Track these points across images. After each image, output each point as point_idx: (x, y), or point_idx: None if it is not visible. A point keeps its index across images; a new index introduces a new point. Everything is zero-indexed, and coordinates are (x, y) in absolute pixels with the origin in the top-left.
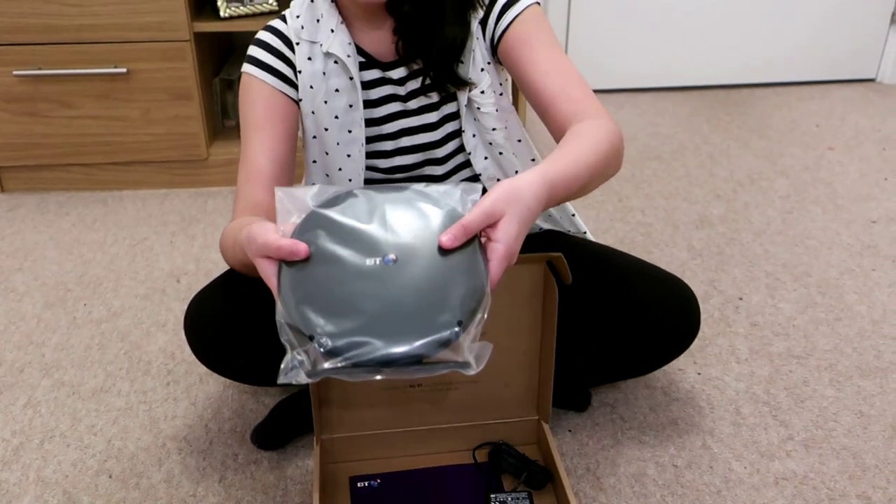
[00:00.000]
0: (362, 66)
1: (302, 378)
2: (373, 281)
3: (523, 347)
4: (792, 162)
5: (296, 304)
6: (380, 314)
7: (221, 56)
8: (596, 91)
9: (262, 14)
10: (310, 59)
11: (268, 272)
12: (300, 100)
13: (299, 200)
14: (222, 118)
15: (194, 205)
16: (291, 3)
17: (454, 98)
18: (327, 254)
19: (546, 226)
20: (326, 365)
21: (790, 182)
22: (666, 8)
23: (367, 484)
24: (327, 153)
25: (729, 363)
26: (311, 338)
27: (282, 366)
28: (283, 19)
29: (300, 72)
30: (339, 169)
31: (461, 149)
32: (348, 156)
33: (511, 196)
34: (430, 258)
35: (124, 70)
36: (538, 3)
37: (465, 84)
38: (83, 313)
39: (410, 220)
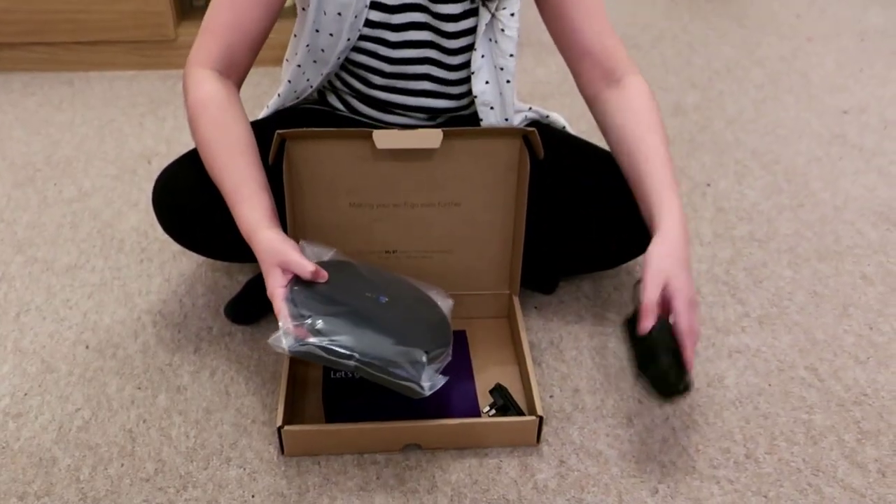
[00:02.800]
0: None
1: (286, 344)
2: (367, 308)
3: (498, 221)
4: (769, 52)
5: (301, 301)
6: (366, 328)
7: None
8: None
9: None
10: None
11: (280, 282)
12: None
13: (318, 255)
14: None
15: (163, 87)
16: None
17: (476, 13)
18: (335, 282)
19: (530, 115)
20: (310, 340)
21: (766, 72)
22: None
23: None
24: (322, 20)
25: (693, 245)
26: (306, 317)
27: (271, 338)
28: None
29: None
30: (331, 34)
31: (465, 65)
32: (345, 23)
33: (670, 263)
34: (413, 308)
35: None
36: None
37: None
38: (53, 193)
39: (402, 284)
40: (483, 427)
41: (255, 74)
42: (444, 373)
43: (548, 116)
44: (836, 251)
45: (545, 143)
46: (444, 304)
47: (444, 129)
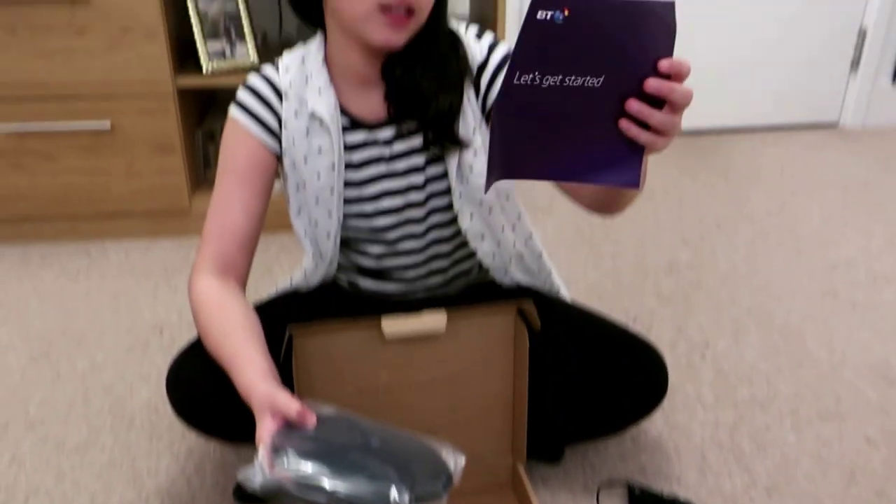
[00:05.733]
0: (347, 128)
1: (258, 479)
2: (352, 449)
3: (496, 393)
4: (757, 207)
5: (282, 440)
6: (346, 467)
7: (203, 107)
8: None
9: (244, 69)
10: (296, 114)
11: (268, 427)
12: (282, 153)
13: (318, 408)
14: (204, 169)
15: (177, 255)
16: (284, 55)
17: (441, 159)
18: (327, 426)
19: (525, 279)
20: (283, 475)
21: (755, 227)
22: None
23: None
24: (307, 206)
25: (695, 410)
26: (283, 453)
27: (241, 473)
28: (276, 67)
29: (285, 126)
30: (316, 225)
31: (444, 208)
32: (328, 212)
33: None
34: (409, 452)
35: (108, 124)
36: None
37: (461, 144)
38: (67, 367)
39: (404, 435)
40: None
41: (262, 241)
42: None
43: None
44: (837, 412)
45: (542, 314)
46: (452, 458)
47: (448, 309)
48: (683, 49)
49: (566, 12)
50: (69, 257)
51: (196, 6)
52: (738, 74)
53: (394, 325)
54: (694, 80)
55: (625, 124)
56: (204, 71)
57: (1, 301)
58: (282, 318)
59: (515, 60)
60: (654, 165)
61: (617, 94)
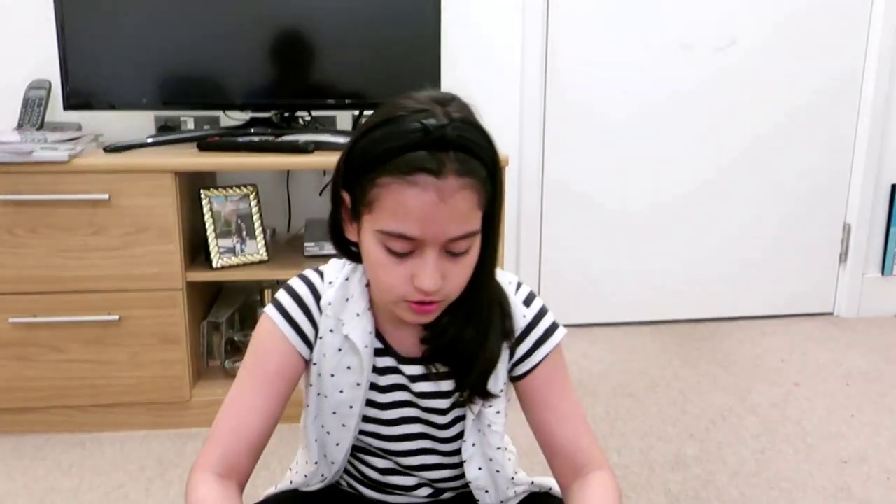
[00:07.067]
0: (378, 352)
1: None
2: None
3: None
4: (760, 399)
5: None
6: None
7: (210, 299)
8: (568, 325)
9: (253, 264)
10: (331, 330)
11: None
12: (313, 362)
13: None
14: (206, 359)
15: (173, 447)
16: (331, 263)
17: (463, 405)
18: None
19: (532, 488)
20: None
21: (760, 420)
22: (632, 250)
23: None
24: (323, 413)
25: None
26: None
27: None
28: (321, 274)
29: (321, 337)
30: (328, 433)
31: (455, 452)
32: (343, 425)
33: None
34: None
35: (117, 317)
36: (563, 337)
37: (493, 397)
38: None
39: None
40: None
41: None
42: None
43: (550, 489)
44: None
45: None
46: None
47: None
48: (687, 243)
49: None
50: (63, 449)
51: (211, 207)
52: (735, 267)
53: None
54: (694, 274)
55: None
56: (213, 265)
57: None
58: None
59: None
60: (654, 354)
61: None
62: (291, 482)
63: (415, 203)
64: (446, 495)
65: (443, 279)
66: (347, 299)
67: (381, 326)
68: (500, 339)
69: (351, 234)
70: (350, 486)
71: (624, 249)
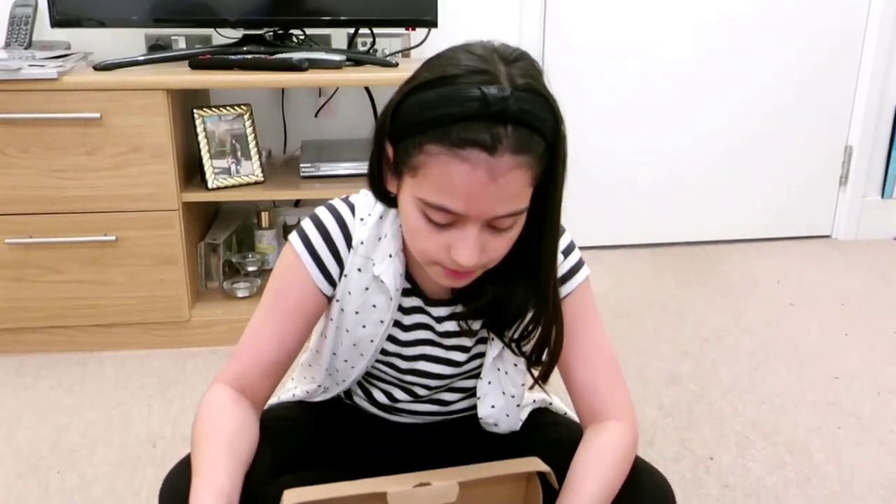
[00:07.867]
0: (405, 293)
1: None
2: None
3: None
4: (755, 319)
5: None
6: None
7: (207, 220)
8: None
9: (248, 185)
10: (360, 270)
11: None
12: (336, 298)
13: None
14: (205, 280)
15: (174, 366)
16: (362, 193)
17: (484, 342)
18: None
19: (534, 406)
20: None
21: (754, 339)
22: (632, 177)
23: None
24: (342, 343)
25: None
26: None
27: None
28: (351, 208)
29: (346, 275)
30: (345, 360)
31: (470, 388)
32: (360, 355)
33: None
34: None
35: (113, 238)
36: (588, 277)
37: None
38: (56, 482)
39: None
40: None
41: None
42: None
43: (551, 403)
44: None
45: (550, 442)
46: None
47: (459, 482)
48: (684, 165)
49: None
50: (65, 368)
51: (204, 127)
52: (732, 190)
53: (401, 500)
54: (690, 195)
55: None
56: (209, 186)
57: None
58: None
59: None
60: (651, 276)
61: None
62: (294, 395)
63: (463, 180)
64: (453, 415)
65: (481, 252)
66: (380, 238)
67: (411, 267)
68: (529, 283)
69: (391, 187)
70: (355, 403)
71: (623, 172)
